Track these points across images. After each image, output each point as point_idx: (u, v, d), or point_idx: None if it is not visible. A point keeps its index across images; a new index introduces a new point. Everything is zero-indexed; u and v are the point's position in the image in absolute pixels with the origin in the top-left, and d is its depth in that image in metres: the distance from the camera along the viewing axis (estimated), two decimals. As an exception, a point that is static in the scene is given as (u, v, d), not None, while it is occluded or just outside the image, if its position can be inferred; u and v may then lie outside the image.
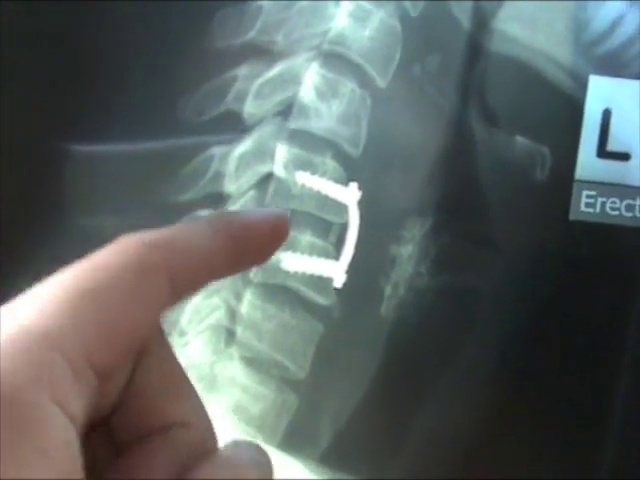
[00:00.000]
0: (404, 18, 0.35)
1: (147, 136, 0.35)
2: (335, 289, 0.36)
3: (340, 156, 0.36)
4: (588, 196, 0.35)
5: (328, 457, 0.37)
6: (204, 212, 0.36)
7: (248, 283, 0.36)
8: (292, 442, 0.37)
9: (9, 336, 0.17)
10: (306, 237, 0.36)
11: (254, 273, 0.36)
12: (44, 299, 0.18)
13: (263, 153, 0.36)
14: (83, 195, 0.35)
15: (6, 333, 0.17)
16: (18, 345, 0.17)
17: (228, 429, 0.36)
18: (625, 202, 0.35)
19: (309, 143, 0.36)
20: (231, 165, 0.36)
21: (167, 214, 0.35)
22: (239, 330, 0.36)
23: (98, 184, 0.35)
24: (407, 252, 0.36)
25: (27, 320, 0.17)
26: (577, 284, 0.36)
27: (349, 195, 0.36)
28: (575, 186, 0.35)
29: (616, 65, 0.35)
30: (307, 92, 0.35)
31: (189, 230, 0.21)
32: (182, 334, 0.36)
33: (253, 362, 0.36)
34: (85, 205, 0.35)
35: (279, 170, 0.36)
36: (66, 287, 0.18)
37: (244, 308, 0.36)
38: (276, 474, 0.37)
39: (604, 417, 0.36)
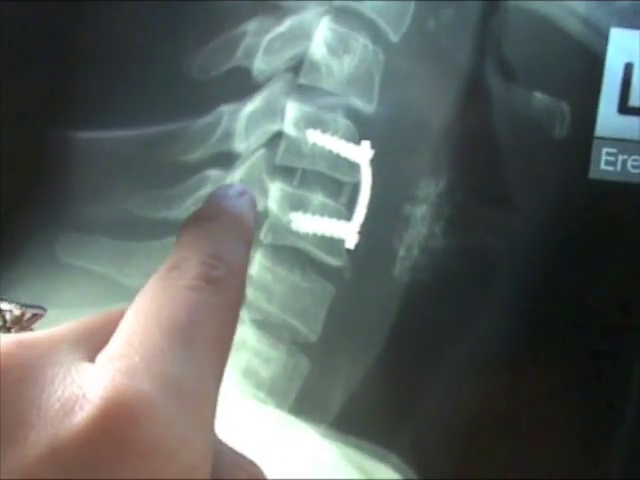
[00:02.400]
0: (418, -30, 0.34)
1: (156, 98, 0.34)
2: (347, 250, 0.35)
3: (352, 114, 0.35)
4: (608, 154, 0.34)
5: (339, 422, 0.36)
6: (213, 172, 0.35)
7: (258, 244, 0.35)
8: (303, 407, 0.36)
9: None
10: (317, 197, 0.35)
11: (264, 234, 0.35)
12: None
13: (273, 111, 0.35)
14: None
15: None
16: None
17: (238, 394, 0.36)
18: (647, 159, 0.34)
19: (320, 100, 0.35)
20: (241, 123, 0.35)
21: (177, 173, 0.35)
22: (249, 292, 0.35)
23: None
24: (421, 212, 0.35)
25: None
26: (597, 244, 0.35)
27: (361, 154, 0.35)
28: (595, 143, 0.34)
29: (639, 17, 0.34)
30: (318, 48, 0.34)
31: None
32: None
33: (264, 325, 0.36)
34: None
35: (289, 128, 0.35)
36: None
37: (254, 270, 0.35)
38: (286, 437, 0.36)
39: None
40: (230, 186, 0.26)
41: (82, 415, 0.17)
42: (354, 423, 0.36)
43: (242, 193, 0.26)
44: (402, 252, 0.35)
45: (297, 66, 0.35)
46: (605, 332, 0.34)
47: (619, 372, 0.35)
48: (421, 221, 0.35)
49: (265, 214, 0.35)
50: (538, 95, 0.34)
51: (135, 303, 0.22)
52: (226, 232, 0.24)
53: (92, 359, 0.19)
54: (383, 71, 0.34)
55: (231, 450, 0.22)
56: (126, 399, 0.17)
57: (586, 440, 0.36)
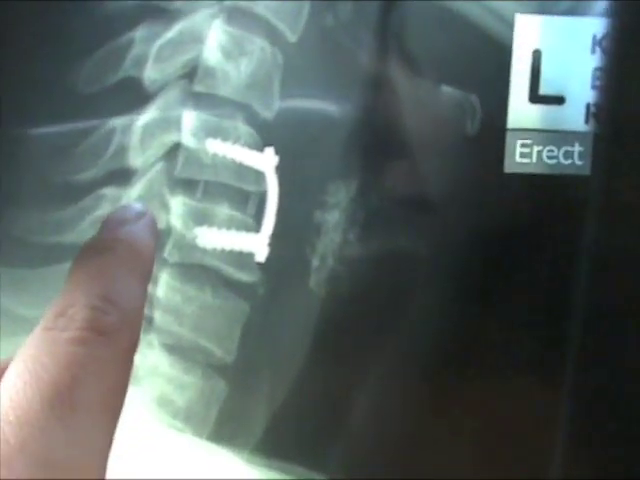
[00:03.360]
0: (312, -35, 0.32)
1: (39, 114, 0.32)
2: (258, 264, 0.33)
3: (253, 120, 0.33)
4: (523, 145, 0.33)
5: (263, 445, 0.34)
6: (109, 190, 0.33)
7: (163, 264, 0.33)
8: (223, 432, 0.34)
9: None
10: (222, 210, 0.33)
11: (169, 253, 0.33)
12: None
13: (169, 121, 0.33)
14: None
15: None
16: None
17: (153, 423, 0.34)
18: (563, 149, 0.33)
19: (218, 108, 0.33)
20: (135, 137, 0.33)
21: (69, 194, 0.32)
22: (157, 315, 0.33)
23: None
24: (333, 219, 0.33)
25: None
26: (518, 241, 0.33)
27: (265, 161, 0.33)
28: (508, 135, 0.33)
29: (543, 2, 0.32)
30: (212, 52, 0.32)
31: None
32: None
33: (175, 349, 0.33)
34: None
35: (188, 139, 0.33)
36: None
37: (161, 291, 0.33)
38: (208, 467, 0.34)
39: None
40: (127, 208, 0.24)
41: None
42: (279, 446, 0.34)
43: (140, 215, 0.24)
44: (316, 262, 0.33)
45: (191, 73, 0.32)
46: (532, 338, 0.33)
47: (553, 379, 0.33)
48: (334, 228, 0.33)
49: (168, 231, 0.33)
50: (446, 89, 0.33)
51: (18, 358, 0.20)
52: (119, 266, 0.22)
53: None
54: (282, 73, 0.33)
55: None
56: None
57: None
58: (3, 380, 0.19)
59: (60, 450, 0.18)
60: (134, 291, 0.22)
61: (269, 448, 0.34)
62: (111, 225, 0.24)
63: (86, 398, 0.19)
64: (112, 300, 0.21)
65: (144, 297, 0.23)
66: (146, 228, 0.24)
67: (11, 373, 0.19)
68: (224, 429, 0.34)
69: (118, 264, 0.22)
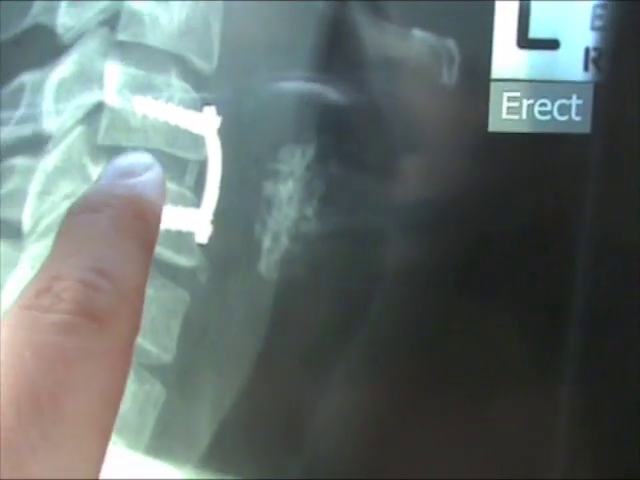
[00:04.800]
0: None
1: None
2: (199, 245, 0.28)
3: (189, 73, 0.27)
4: (510, 99, 0.27)
5: (209, 459, 0.29)
6: (20, 160, 0.28)
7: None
8: (163, 444, 0.29)
9: None
10: (155, 182, 0.28)
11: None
12: None
13: (88, 77, 0.27)
14: None
15: None
16: None
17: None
18: (558, 102, 0.27)
19: (147, 59, 0.27)
20: (48, 95, 0.27)
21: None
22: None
23: None
24: (287, 191, 0.28)
25: None
26: (504, 213, 0.28)
27: (205, 122, 0.28)
28: (493, 87, 0.27)
29: None
30: (137, -7, 0.27)
31: None
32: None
33: (104, 347, 0.29)
34: None
35: (111, 97, 0.28)
36: None
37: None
38: (145, 486, 0.29)
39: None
40: (129, 156, 0.19)
41: None
42: (228, 459, 0.29)
43: (146, 167, 0.19)
44: (268, 242, 0.28)
45: (113, 18, 0.27)
46: (517, 306, 0.28)
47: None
48: (288, 202, 0.28)
49: (92, 208, 0.28)
50: (418, 33, 0.27)
51: None
52: (119, 230, 0.18)
53: None
54: (223, 17, 0.27)
55: None
56: None
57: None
58: None
59: (42, 469, 0.14)
60: (136, 264, 0.18)
61: (217, 462, 0.29)
62: (109, 177, 0.19)
63: (74, 408, 0.15)
64: (108, 274, 0.16)
65: (147, 273, 0.18)
66: (153, 184, 0.19)
67: None
68: (163, 440, 0.29)
69: (117, 227, 0.18)
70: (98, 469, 0.16)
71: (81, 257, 0.17)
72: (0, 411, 0.14)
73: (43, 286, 0.16)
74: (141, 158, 0.20)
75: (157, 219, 0.19)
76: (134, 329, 0.17)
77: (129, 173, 0.19)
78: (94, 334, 0.16)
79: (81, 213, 0.18)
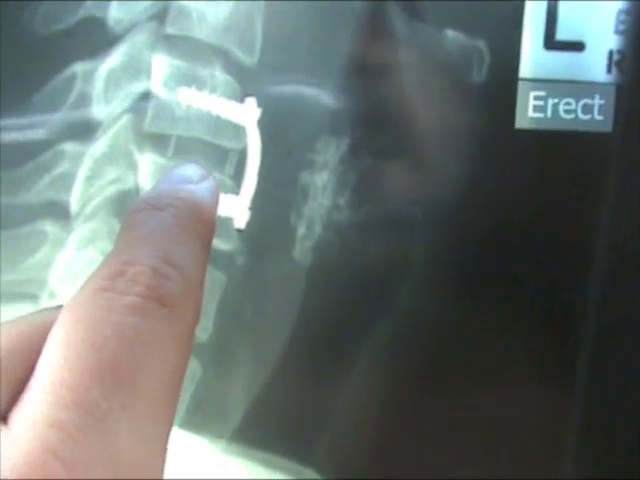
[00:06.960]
0: None
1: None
2: (237, 230, 0.29)
3: (232, 66, 0.29)
4: (537, 97, 0.29)
5: (241, 434, 0.30)
6: (69, 145, 0.29)
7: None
8: (197, 419, 0.30)
9: None
10: (197, 169, 0.29)
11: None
12: None
13: (137, 68, 0.29)
14: None
15: None
16: None
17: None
18: (582, 102, 0.29)
19: (192, 52, 0.29)
20: (98, 85, 0.29)
21: (23, 150, 0.29)
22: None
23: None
24: (322, 181, 0.29)
25: None
26: (529, 206, 0.29)
27: (246, 114, 0.29)
28: (520, 86, 0.29)
29: None
30: (185, -11, 0.29)
31: None
32: (52, 295, 0.30)
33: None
34: None
35: (158, 88, 0.29)
36: None
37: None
38: (180, 457, 0.31)
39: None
40: (187, 166, 0.21)
41: None
42: (259, 435, 0.30)
43: (203, 176, 0.21)
44: (302, 229, 0.30)
45: (162, 12, 0.29)
46: (540, 303, 0.29)
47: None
48: (322, 191, 0.29)
49: (136, 193, 0.29)
50: (451, 34, 0.29)
51: (62, 325, 0.16)
52: (184, 227, 0.19)
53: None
54: (266, 13, 0.29)
55: None
56: None
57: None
58: (42, 355, 0.16)
59: (126, 445, 0.15)
60: (198, 259, 0.19)
61: (249, 437, 0.30)
62: (172, 181, 0.21)
63: (149, 384, 0.16)
64: (176, 265, 0.18)
65: (206, 268, 0.20)
66: (210, 191, 0.21)
67: (57, 340, 0.16)
68: (198, 415, 0.30)
69: (181, 225, 0.19)
70: (167, 439, 0.17)
71: (151, 247, 0.18)
72: (85, 386, 0.15)
73: (118, 269, 0.17)
74: (198, 168, 0.21)
75: (213, 222, 0.21)
76: (196, 317, 0.19)
77: (188, 180, 0.21)
78: (165, 318, 0.17)
79: (145, 210, 0.19)
